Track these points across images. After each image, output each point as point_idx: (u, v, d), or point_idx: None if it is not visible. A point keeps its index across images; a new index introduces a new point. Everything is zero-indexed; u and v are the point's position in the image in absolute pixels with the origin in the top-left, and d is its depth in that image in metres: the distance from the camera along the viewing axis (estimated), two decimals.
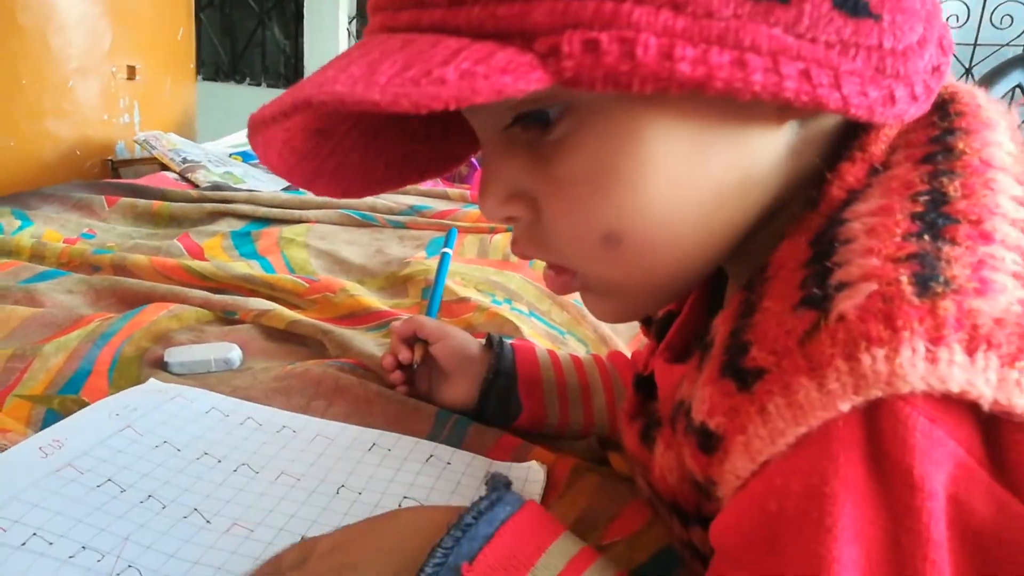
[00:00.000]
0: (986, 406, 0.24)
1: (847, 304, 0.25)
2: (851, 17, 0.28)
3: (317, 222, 1.00)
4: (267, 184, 1.27)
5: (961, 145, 0.30)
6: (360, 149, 0.40)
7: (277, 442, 0.55)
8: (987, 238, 0.26)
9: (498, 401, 0.59)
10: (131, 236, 1.00)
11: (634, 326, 0.74)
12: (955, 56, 2.98)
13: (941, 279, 0.25)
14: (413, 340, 0.62)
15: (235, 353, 0.67)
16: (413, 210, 1.03)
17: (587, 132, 0.31)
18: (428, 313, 0.71)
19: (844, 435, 0.25)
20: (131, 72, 1.50)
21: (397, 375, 0.62)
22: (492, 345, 0.61)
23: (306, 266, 0.89)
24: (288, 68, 3.59)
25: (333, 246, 0.93)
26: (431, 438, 0.57)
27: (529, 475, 0.52)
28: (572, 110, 0.31)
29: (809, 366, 0.25)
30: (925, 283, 0.25)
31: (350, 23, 3.38)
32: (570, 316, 0.79)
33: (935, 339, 0.24)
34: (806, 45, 0.28)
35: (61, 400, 0.59)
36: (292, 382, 0.63)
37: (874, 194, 0.29)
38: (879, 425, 0.24)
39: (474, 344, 0.62)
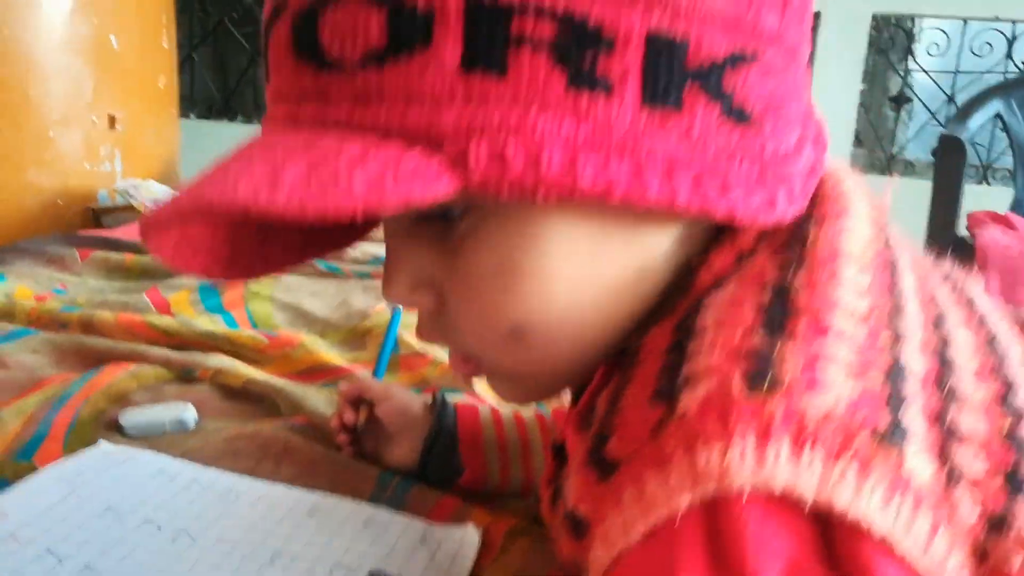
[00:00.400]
0: (807, 504, 0.25)
1: (689, 399, 0.26)
2: (737, 125, 0.30)
3: (283, 273, 1.01)
4: None
5: (813, 234, 0.31)
6: (257, 237, 0.40)
7: (220, 505, 0.56)
8: (823, 332, 0.27)
9: (440, 461, 0.60)
10: (102, 291, 1.02)
11: None
12: (936, 84, 3.03)
13: (772, 377, 0.26)
14: (358, 401, 0.64)
15: (189, 414, 0.69)
16: (378, 260, 1.05)
17: (489, 230, 0.32)
18: (376, 371, 0.72)
19: (687, 530, 0.26)
20: (112, 121, 1.54)
21: (343, 437, 0.64)
22: (436, 405, 0.62)
23: (269, 320, 0.91)
24: None
25: (297, 298, 0.95)
26: (373, 499, 0.58)
27: (465, 538, 0.53)
28: (474, 209, 0.32)
29: (657, 459, 0.26)
30: (757, 381, 0.26)
31: None
32: None
33: (763, 437, 0.25)
34: (697, 154, 0.29)
35: (14, 467, 0.61)
36: (242, 444, 0.64)
37: (733, 282, 0.31)
38: (717, 521, 0.25)
39: (418, 404, 0.63)
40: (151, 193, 1.42)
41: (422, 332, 0.39)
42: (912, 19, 3.07)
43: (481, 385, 0.75)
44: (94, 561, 0.49)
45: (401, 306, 0.62)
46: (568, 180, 0.27)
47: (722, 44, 0.29)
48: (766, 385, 0.25)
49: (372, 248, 1.12)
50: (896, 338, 0.28)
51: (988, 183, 2.98)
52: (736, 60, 0.29)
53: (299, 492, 0.58)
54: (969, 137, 2.02)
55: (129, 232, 1.26)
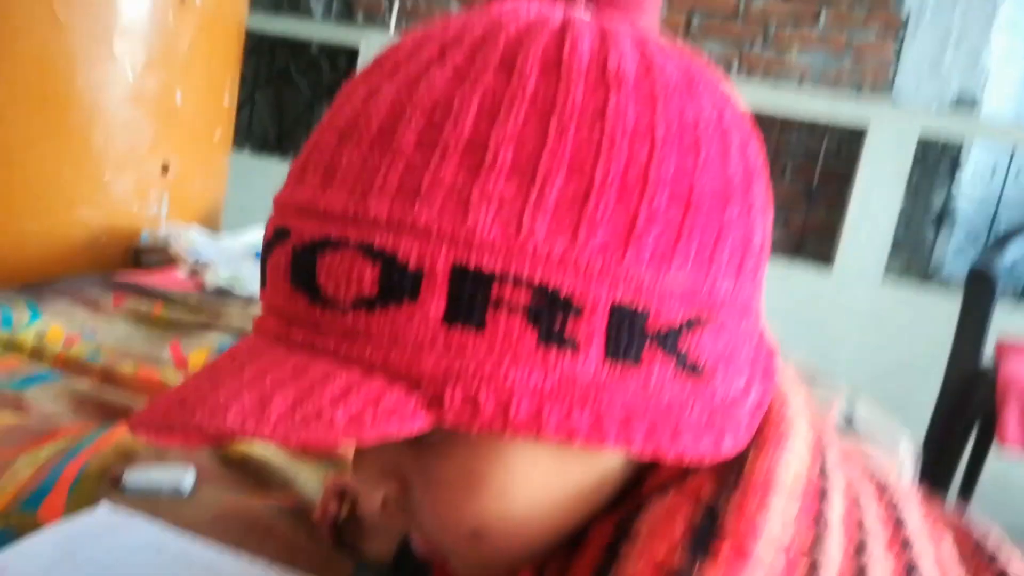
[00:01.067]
0: None
1: None
2: (690, 377, 0.33)
3: None
4: None
5: (751, 460, 0.33)
6: None
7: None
8: (744, 557, 0.30)
9: (413, 557, 0.63)
10: (129, 338, 1.07)
11: None
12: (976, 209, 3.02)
13: None
14: (342, 494, 0.67)
15: (187, 481, 0.72)
16: None
17: (459, 444, 0.34)
18: None
19: None
20: (165, 169, 1.62)
21: (325, 528, 0.67)
22: None
23: None
24: None
25: None
26: None
27: None
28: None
29: None
30: None
31: None
32: None
33: None
34: (652, 403, 0.32)
35: (20, 517, 0.64)
36: (230, 522, 0.67)
37: (672, 491, 0.33)
38: None
39: None
40: (190, 243, 1.49)
41: (387, 515, 0.39)
42: (959, 148, 3.05)
43: None
44: None
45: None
46: (534, 427, 0.30)
47: (679, 312, 0.32)
48: None
49: None
50: (812, 567, 0.31)
51: None
52: (692, 324, 0.32)
53: (278, 573, 0.61)
54: (1005, 268, 2.01)
55: (164, 279, 1.33)
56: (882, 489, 0.38)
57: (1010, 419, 1.69)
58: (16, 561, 0.58)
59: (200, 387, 0.32)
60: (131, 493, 0.71)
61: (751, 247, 0.34)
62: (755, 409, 0.35)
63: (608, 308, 0.31)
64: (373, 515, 0.39)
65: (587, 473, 0.35)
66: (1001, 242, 2.07)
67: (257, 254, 1.55)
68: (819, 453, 0.35)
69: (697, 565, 0.30)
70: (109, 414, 0.84)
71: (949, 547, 0.38)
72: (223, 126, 1.81)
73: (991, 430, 1.68)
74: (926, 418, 1.79)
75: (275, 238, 0.34)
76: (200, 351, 1.02)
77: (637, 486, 0.35)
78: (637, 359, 0.31)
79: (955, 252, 3.33)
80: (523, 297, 0.30)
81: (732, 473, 0.33)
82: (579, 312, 0.30)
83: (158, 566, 0.60)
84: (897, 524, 0.36)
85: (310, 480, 0.74)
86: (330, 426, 0.29)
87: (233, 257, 1.50)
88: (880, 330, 2.53)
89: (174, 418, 0.31)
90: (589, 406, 0.31)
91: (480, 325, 0.30)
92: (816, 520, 0.33)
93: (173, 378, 0.91)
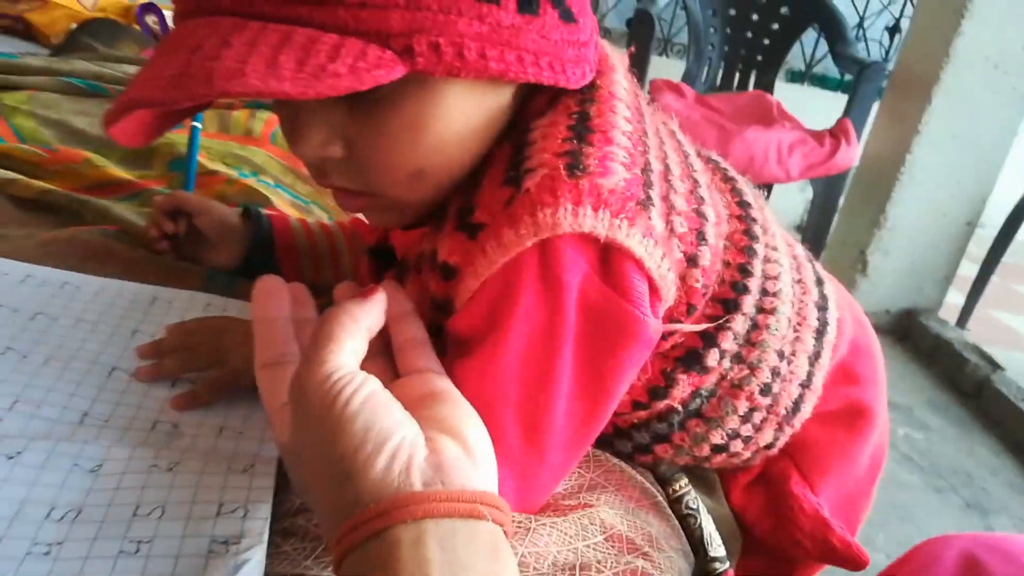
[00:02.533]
0: (601, 240, 0.41)
1: (530, 182, 0.41)
2: (566, 24, 0.43)
3: (38, 90, 0.97)
4: None
5: (598, 82, 0.47)
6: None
7: (65, 295, 0.62)
8: (609, 142, 0.43)
9: (259, 264, 0.71)
10: None
11: None
12: None
13: (581, 167, 0.41)
14: (175, 213, 0.71)
15: None
16: None
17: (404, 95, 0.41)
18: (185, 187, 0.78)
19: (528, 259, 0.41)
20: None
21: (164, 244, 0.71)
22: (250, 216, 0.72)
23: (37, 135, 0.89)
24: None
25: (62, 115, 0.93)
26: (205, 290, 0.67)
27: None
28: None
29: (509, 220, 0.41)
30: (572, 169, 0.41)
31: None
32: (312, 188, 0.91)
33: (576, 202, 0.40)
34: (549, 45, 0.42)
35: None
36: (60, 247, 0.68)
37: (549, 114, 0.45)
38: (546, 251, 0.41)
39: (234, 215, 0.72)
40: None
41: (327, 178, 0.46)
42: None
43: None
44: None
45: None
46: (481, 66, 0.39)
47: None
48: (578, 172, 0.41)
49: (135, 68, 1.09)
50: (646, 148, 0.46)
51: (668, 55, 3.45)
52: None
53: (135, 285, 0.65)
54: (657, 12, 2.35)
55: None
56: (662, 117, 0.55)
57: None
58: None
59: (191, 62, 0.35)
60: None
61: None
62: (595, 50, 0.48)
63: None
64: (322, 179, 0.46)
65: (490, 109, 0.45)
66: None
67: None
68: (631, 80, 0.51)
69: (581, 146, 0.42)
70: None
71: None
72: None
73: None
74: None
75: None
76: None
77: (517, 119, 0.47)
78: (536, 10, 0.41)
79: (615, 6, 3.71)
80: None
81: (587, 93, 0.46)
82: None
83: (8, 287, 0.60)
84: (671, 133, 0.54)
85: (125, 212, 0.76)
86: (336, 77, 0.34)
87: None
88: None
89: (189, 86, 0.34)
90: (513, 48, 0.40)
91: None
92: (641, 120, 0.48)
93: None
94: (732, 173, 0.60)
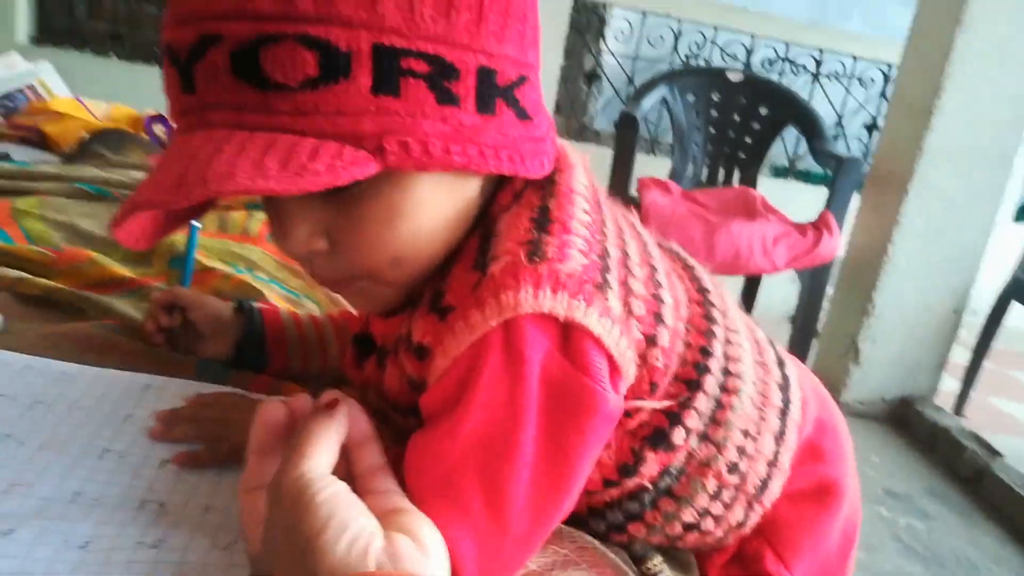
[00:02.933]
0: (561, 319, 0.44)
1: (495, 268, 0.44)
2: (522, 121, 0.47)
3: (48, 195, 1.03)
4: None
5: (557, 179, 0.51)
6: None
7: (62, 384, 0.64)
8: (567, 231, 0.47)
9: (250, 355, 0.74)
10: None
11: None
12: (620, 65, 3.53)
13: (540, 253, 0.44)
14: (171, 307, 0.75)
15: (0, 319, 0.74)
16: None
17: (379, 190, 0.45)
18: (182, 283, 0.82)
19: (493, 337, 0.44)
20: None
21: (159, 337, 0.74)
22: (243, 309, 0.76)
23: (46, 237, 0.94)
24: None
25: (70, 218, 0.98)
26: (198, 379, 0.70)
27: None
28: (375, 177, 0.44)
29: (476, 303, 0.44)
30: (532, 256, 0.44)
31: None
32: (304, 282, 0.95)
33: (536, 284, 0.43)
34: (507, 140, 0.46)
35: None
36: (60, 339, 0.71)
37: (514, 208, 0.49)
38: (510, 330, 0.44)
39: (227, 309, 0.76)
40: None
41: (319, 274, 0.51)
42: (604, 6, 3.54)
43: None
44: None
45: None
46: (447, 160, 0.43)
47: (514, 71, 0.46)
48: (537, 258, 0.44)
49: (138, 174, 1.16)
50: (604, 237, 0.50)
51: (655, 154, 3.58)
52: (520, 81, 0.47)
53: (129, 374, 0.68)
54: (642, 115, 2.46)
55: None
56: (622, 211, 0.59)
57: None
58: None
59: (189, 168, 0.39)
60: None
61: (538, 30, 0.49)
62: (552, 145, 0.52)
63: (475, 69, 0.44)
64: (310, 270, 0.51)
65: (460, 201, 0.49)
66: (639, 93, 2.50)
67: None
68: (590, 177, 0.55)
69: (541, 236, 0.46)
70: None
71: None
72: None
73: None
74: None
75: (201, 44, 0.41)
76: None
77: (485, 212, 0.51)
78: (493, 111, 0.45)
79: (603, 109, 3.87)
80: (423, 67, 0.42)
81: (547, 189, 0.50)
82: (458, 75, 0.43)
83: (8, 378, 0.63)
84: (632, 225, 0.58)
85: (125, 307, 0.80)
86: (316, 175, 0.39)
87: None
88: None
89: (186, 189, 0.38)
90: (474, 144, 0.44)
91: (397, 92, 0.41)
92: (599, 211, 0.52)
93: None
94: (691, 262, 0.64)
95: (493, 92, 0.45)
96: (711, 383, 0.56)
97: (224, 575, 0.47)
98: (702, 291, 0.60)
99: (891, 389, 2.35)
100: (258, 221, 1.04)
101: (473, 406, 0.45)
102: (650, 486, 0.55)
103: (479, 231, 0.50)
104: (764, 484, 0.60)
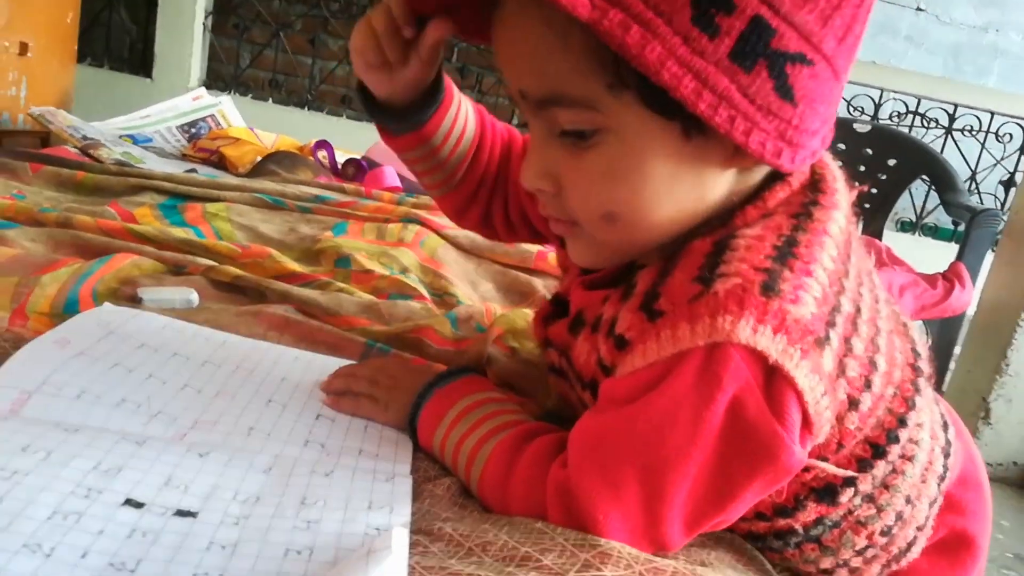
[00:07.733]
0: (770, 361, 0.42)
1: (721, 286, 0.43)
2: (780, 99, 0.44)
3: (233, 202, 1.18)
4: (162, 166, 1.42)
5: (815, 214, 0.48)
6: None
7: (225, 351, 0.72)
8: (808, 273, 0.45)
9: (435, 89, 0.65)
10: (60, 201, 1.14)
11: (501, 294, 1.02)
12: None
13: (776, 289, 0.43)
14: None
15: (194, 296, 0.86)
16: (318, 199, 1.25)
17: (611, 146, 0.46)
18: None
19: (693, 357, 0.43)
20: (23, 48, 1.59)
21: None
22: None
23: (232, 237, 1.08)
24: (134, 53, 3.59)
25: (251, 222, 1.13)
26: (361, 358, 0.80)
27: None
28: (603, 131, 0.46)
29: (689, 316, 0.43)
30: (767, 288, 0.42)
31: (207, 17, 3.45)
32: (443, 284, 1.05)
33: (760, 319, 0.42)
34: (748, 103, 0.43)
35: (63, 318, 0.76)
36: (248, 317, 0.82)
37: (759, 227, 0.47)
38: (713, 356, 0.43)
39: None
40: (68, 121, 1.50)
41: (545, 208, 0.53)
42: None
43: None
44: (157, 370, 0.65)
45: None
46: (658, 68, 0.41)
47: (796, 44, 0.42)
48: (771, 292, 0.42)
49: (310, 190, 1.31)
50: (841, 289, 0.47)
51: None
52: (798, 59, 0.43)
53: (283, 348, 0.76)
54: None
55: (61, 153, 1.36)
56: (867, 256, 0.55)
57: None
58: (75, 333, 0.66)
59: None
60: (149, 304, 0.83)
61: (853, 30, 0.45)
62: (812, 154, 0.47)
63: (750, 15, 0.41)
64: (537, 205, 0.54)
65: (695, 189, 0.48)
66: None
67: (134, 137, 1.59)
68: (851, 217, 0.52)
69: (779, 269, 0.44)
70: (91, 253, 0.93)
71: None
72: (73, 9, 1.77)
73: None
74: None
75: None
76: (143, 209, 1.12)
77: (726, 222, 0.49)
78: (747, 67, 0.42)
79: None
80: None
81: (801, 221, 0.48)
82: (731, 8, 0.41)
83: (180, 342, 0.71)
84: (869, 273, 0.54)
85: (302, 292, 0.91)
86: None
87: (114, 138, 1.53)
88: None
89: None
90: (711, 90, 0.42)
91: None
92: (845, 261, 0.49)
93: (138, 228, 1.00)
94: (907, 321, 0.62)
95: (758, 49, 0.42)
96: (895, 451, 0.54)
97: (389, 500, 0.53)
98: (915, 354, 0.58)
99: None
100: (411, 232, 1.16)
101: (654, 410, 0.45)
102: (800, 530, 0.54)
103: (713, 238, 0.48)
104: (909, 547, 0.58)
